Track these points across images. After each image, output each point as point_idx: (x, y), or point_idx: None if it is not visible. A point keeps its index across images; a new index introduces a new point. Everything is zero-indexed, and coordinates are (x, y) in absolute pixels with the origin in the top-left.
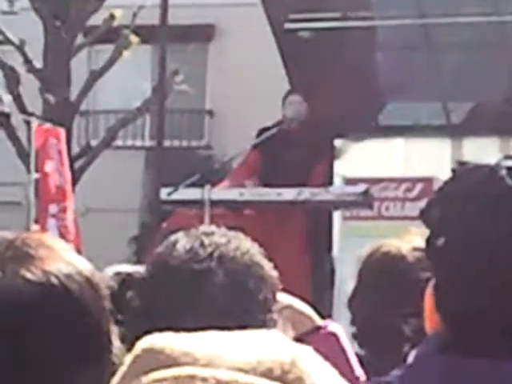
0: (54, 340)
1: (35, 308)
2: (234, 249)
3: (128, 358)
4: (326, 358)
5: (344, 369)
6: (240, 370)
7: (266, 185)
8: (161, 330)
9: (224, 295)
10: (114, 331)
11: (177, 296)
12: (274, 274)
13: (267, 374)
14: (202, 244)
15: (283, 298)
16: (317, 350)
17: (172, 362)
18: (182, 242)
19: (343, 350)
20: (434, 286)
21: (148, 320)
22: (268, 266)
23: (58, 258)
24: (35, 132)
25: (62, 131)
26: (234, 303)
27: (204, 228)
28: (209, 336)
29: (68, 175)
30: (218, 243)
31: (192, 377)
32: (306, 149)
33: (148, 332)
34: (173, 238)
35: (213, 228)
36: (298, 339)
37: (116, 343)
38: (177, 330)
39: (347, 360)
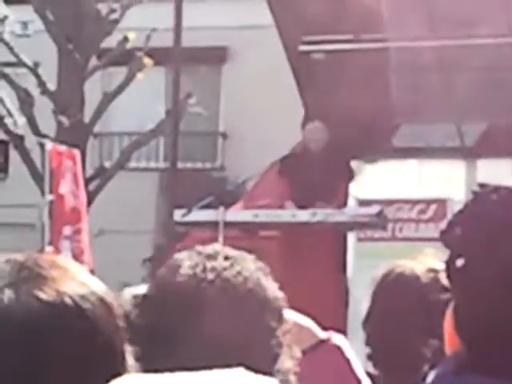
0: (68, 359)
1: (50, 328)
2: (236, 274)
3: None
4: (332, 370)
5: (350, 380)
6: None
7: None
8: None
9: (225, 323)
10: (128, 350)
11: (177, 323)
12: (279, 295)
13: None
14: (205, 269)
15: (287, 314)
16: (322, 363)
17: None
18: (185, 266)
19: (348, 362)
20: (453, 307)
21: (150, 341)
22: (272, 288)
23: (70, 278)
24: (50, 154)
25: (77, 153)
26: (236, 331)
27: (208, 249)
28: (179, 378)
29: (83, 197)
30: (220, 268)
31: None
32: (325, 171)
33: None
34: (176, 260)
35: (217, 248)
36: (302, 354)
37: (130, 361)
38: (177, 356)
39: (352, 371)
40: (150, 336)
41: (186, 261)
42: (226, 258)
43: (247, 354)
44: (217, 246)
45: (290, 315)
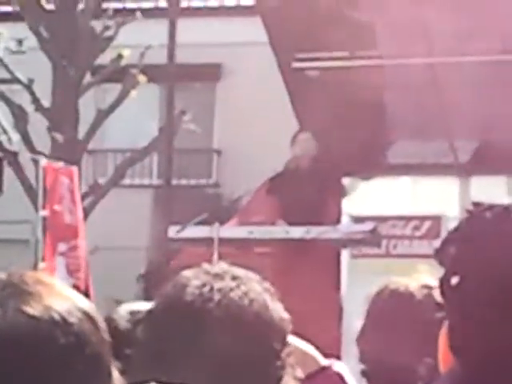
0: (55, 373)
1: (37, 342)
2: (242, 295)
3: None
4: None
5: None
6: None
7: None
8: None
9: (230, 345)
10: (113, 363)
11: (181, 342)
12: (285, 316)
13: None
14: (211, 290)
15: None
16: None
17: None
18: (192, 286)
19: None
20: (447, 324)
21: (152, 357)
22: (278, 309)
23: (56, 294)
24: (45, 170)
25: (74, 170)
26: (240, 352)
27: (216, 269)
28: None
29: (80, 214)
30: (227, 289)
31: None
32: (316, 187)
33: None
34: (183, 278)
35: (224, 268)
36: (304, 380)
37: (115, 374)
38: (179, 374)
39: None
40: (152, 352)
41: (192, 280)
42: (233, 278)
43: (251, 375)
44: (224, 266)
45: (292, 340)
